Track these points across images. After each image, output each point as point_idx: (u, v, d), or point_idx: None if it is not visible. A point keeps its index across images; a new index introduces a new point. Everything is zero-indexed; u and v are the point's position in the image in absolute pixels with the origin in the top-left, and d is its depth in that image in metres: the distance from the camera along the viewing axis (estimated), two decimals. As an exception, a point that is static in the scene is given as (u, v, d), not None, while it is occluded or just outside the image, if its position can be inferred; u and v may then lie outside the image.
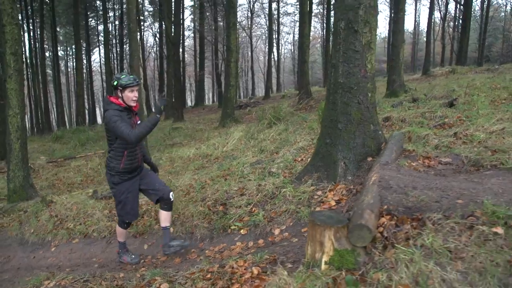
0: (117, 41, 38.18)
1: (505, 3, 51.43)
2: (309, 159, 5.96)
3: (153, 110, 4.02)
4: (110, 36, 37.16)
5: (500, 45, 48.87)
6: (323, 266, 2.70)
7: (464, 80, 13.73)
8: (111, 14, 38.25)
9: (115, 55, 40.39)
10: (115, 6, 37.49)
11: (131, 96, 4.03)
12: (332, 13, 28.21)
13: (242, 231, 4.64)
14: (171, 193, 4.48)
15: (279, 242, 4.12)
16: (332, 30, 5.08)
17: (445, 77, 17.77)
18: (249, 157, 7.74)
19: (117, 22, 38.02)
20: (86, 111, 39.01)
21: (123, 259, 4.74)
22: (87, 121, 34.27)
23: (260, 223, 4.58)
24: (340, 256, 2.66)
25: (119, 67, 37.65)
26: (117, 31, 38.39)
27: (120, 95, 4.04)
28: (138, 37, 35.22)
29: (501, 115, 7.07)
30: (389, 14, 36.71)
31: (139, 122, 4.24)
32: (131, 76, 4.04)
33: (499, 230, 2.54)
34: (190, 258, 4.49)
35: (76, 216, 6.27)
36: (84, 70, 35.20)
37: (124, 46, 34.18)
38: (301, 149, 7.17)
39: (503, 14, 51.78)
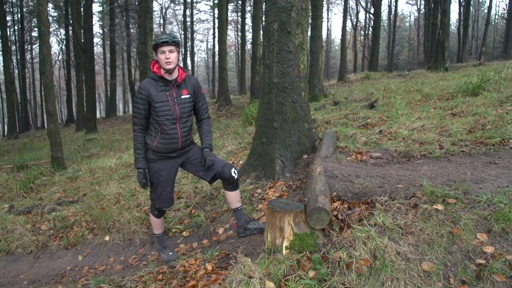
0: (17, 48, 35.27)
1: (409, 14, 56.17)
2: (240, 162, 6.03)
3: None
4: (9, 42, 34.33)
5: (407, 53, 53.27)
6: (284, 251, 2.77)
7: (380, 84, 14.70)
8: (9, 18, 35.27)
9: (15, 63, 37.29)
10: (13, 9, 34.58)
11: (162, 58, 3.43)
12: (247, 20, 28.79)
13: (184, 233, 4.57)
14: (232, 169, 3.79)
15: (225, 240, 4.13)
16: (263, 31, 5.20)
17: (360, 82, 18.87)
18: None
19: (16, 27, 35.22)
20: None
21: (161, 257, 4.08)
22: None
23: (203, 223, 4.54)
24: (300, 240, 2.75)
25: (20, 76, 34.94)
26: (16, 37, 35.55)
27: (157, 58, 3.51)
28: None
29: (418, 114, 7.72)
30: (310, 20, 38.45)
31: (186, 96, 3.64)
32: (164, 35, 3.46)
33: (439, 206, 2.87)
34: (132, 264, 4.33)
35: (-6, 234, 5.72)
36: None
37: (26, 54, 31.68)
38: (231, 153, 7.21)
39: (407, 24, 56.50)
